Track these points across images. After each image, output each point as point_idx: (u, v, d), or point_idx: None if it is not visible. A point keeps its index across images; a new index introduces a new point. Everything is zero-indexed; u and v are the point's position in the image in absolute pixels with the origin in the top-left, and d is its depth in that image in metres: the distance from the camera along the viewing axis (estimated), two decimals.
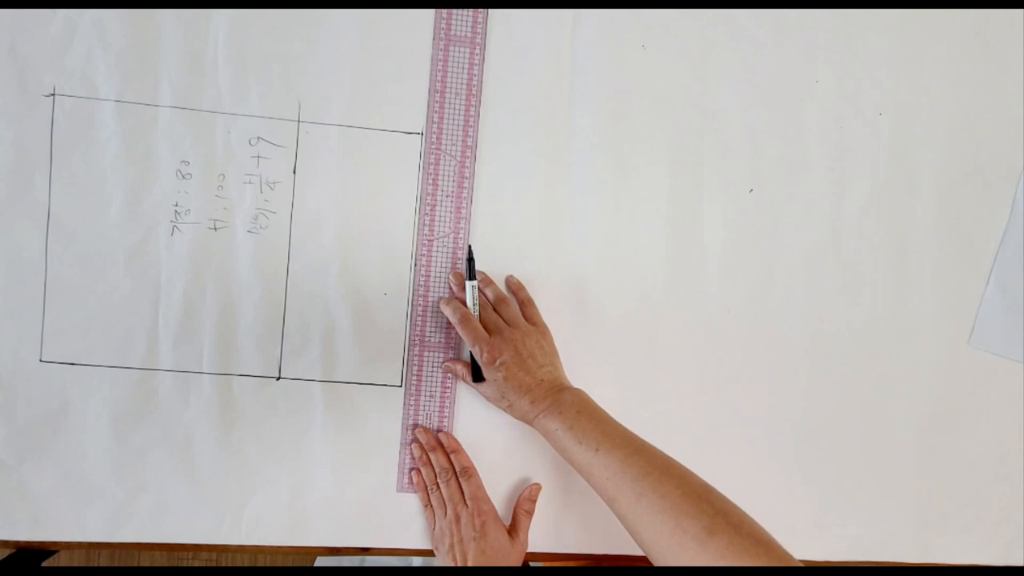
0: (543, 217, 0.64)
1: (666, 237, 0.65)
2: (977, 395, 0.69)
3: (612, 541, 0.66)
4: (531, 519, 0.64)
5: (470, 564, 0.60)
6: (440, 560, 0.62)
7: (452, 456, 0.63)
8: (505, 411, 0.60)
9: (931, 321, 0.68)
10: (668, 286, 0.65)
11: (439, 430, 0.64)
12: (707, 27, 0.64)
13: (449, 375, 0.64)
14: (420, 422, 0.64)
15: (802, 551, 0.47)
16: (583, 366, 0.64)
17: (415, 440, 0.64)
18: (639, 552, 0.61)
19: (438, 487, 0.62)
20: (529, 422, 0.58)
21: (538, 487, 0.65)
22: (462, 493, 0.63)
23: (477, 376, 0.60)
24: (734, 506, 0.50)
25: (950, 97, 0.67)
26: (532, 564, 0.70)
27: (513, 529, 0.63)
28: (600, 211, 0.65)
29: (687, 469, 0.52)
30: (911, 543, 0.70)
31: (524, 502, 0.64)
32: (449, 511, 0.62)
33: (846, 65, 0.66)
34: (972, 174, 0.68)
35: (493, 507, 0.63)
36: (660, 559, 0.49)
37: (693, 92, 0.65)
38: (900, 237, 0.67)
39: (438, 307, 0.63)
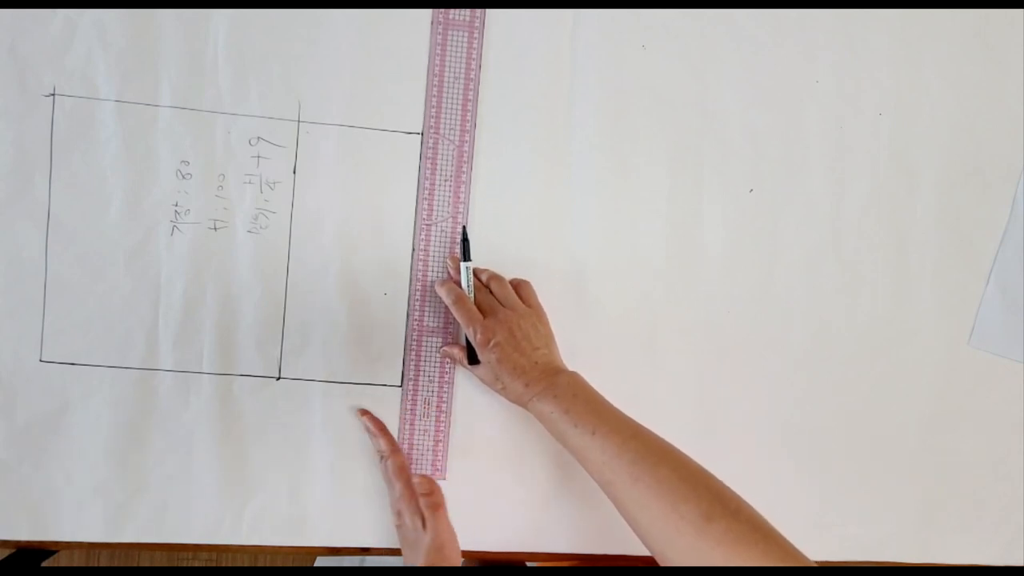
0: (543, 217, 0.64)
1: (666, 237, 0.65)
2: (977, 395, 0.69)
3: (608, 541, 0.66)
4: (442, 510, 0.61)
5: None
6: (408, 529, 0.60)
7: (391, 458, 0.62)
8: (499, 393, 0.59)
9: (931, 321, 0.68)
10: (668, 286, 0.65)
11: (437, 419, 0.64)
12: (707, 27, 0.64)
13: (447, 360, 0.64)
14: (419, 408, 0.64)
15: (801, 551, 0.47)
16: (583, 366, 0.63)
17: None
18: (636, 552, 0.61)
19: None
20: (524, 405, 0.58)
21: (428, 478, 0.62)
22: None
23: (473, 359, 0.60)
24: (732, 492, 0.49)
25: (950, 97, 0.67)
26: (530, 564, 0.70)
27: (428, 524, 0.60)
28: (600, 211, 0.65)
29: (684, 454, 0.52)
30: (911, 543, 0.70)
31: (422, 498, 0.60)
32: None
33: (846, 65, 0.66)
34: (972, 174, 0.68)
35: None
36: (657, 544, 0.49)
37: (693, 92, 0.65)
38: (900, 237, 0.67)
39: (432, 307, 0.63)
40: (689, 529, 0.47)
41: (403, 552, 0.61)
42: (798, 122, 0.66)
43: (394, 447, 0.62)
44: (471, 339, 0.58)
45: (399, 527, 0.61)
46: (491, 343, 0.57)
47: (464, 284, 0.61)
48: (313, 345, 0.63)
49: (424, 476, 0.62)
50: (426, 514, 0.59)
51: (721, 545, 0.45)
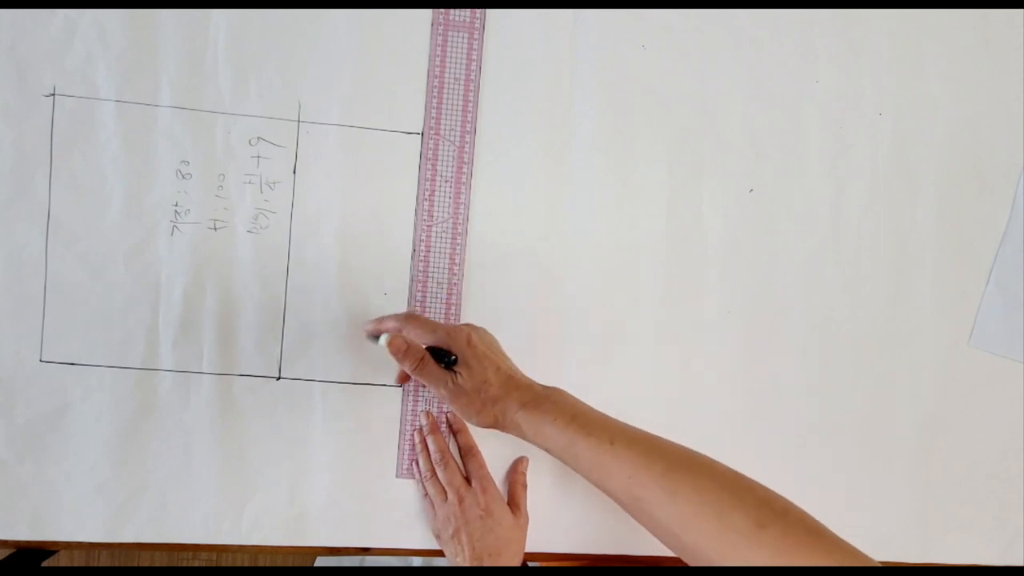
0: (543, 217, 0.64)
1: (666, 237, 0.65)
2: (977, 395, 0.69)
3: (612, 541, 0.66)
4: (527, 491, 0.64)
5: (477, 546, 0.59)
6: (445, 548, 0.61)
7: (457, 436, 0.63)
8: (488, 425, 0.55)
9: (931, 321, 0.68)
10: (668, 286, 0.65)
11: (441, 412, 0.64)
12: (707, 26, 0.64)
13: None
14: (419, 408, 0.64)
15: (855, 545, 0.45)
16: (582, 366, 0.64)
17: (418, 427, 0.64)
18: (636, 552, 0.61)
19: (433, 474, 0.62)
20: (514, 419, 0.53)
21: (526, 459, 0.65)
22: (463, 475, 0.62)
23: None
24: (771, 491, 0.45)
25: (950, 97, 0.67)
26: (531, 564, 0.70)
27: (514, 504, 0.63)
28: (600, 211, 0.65)
29: (710, 457, 0.48)
30: (911, 543, 0.70)
31: (518, 475, 0.64)
32: (450, 496, 0.61)
33: (846, 65, 0.66)
34: (972, 174, 0.68)
35: (496, 486, 0.63)
36: (705, 561, 0.44)
37: (693, 92, 0.65)
38: (900, 237, 0.67)
39: (432, 308, 0.63)
40: (742, 541, 0.42)
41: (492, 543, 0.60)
42: (798, 122, 0.66)
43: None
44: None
45: (484, 517, 0.60)
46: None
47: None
48: (313, 345, 0.63)
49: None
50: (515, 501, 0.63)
51: (780, 552, 0.41)
